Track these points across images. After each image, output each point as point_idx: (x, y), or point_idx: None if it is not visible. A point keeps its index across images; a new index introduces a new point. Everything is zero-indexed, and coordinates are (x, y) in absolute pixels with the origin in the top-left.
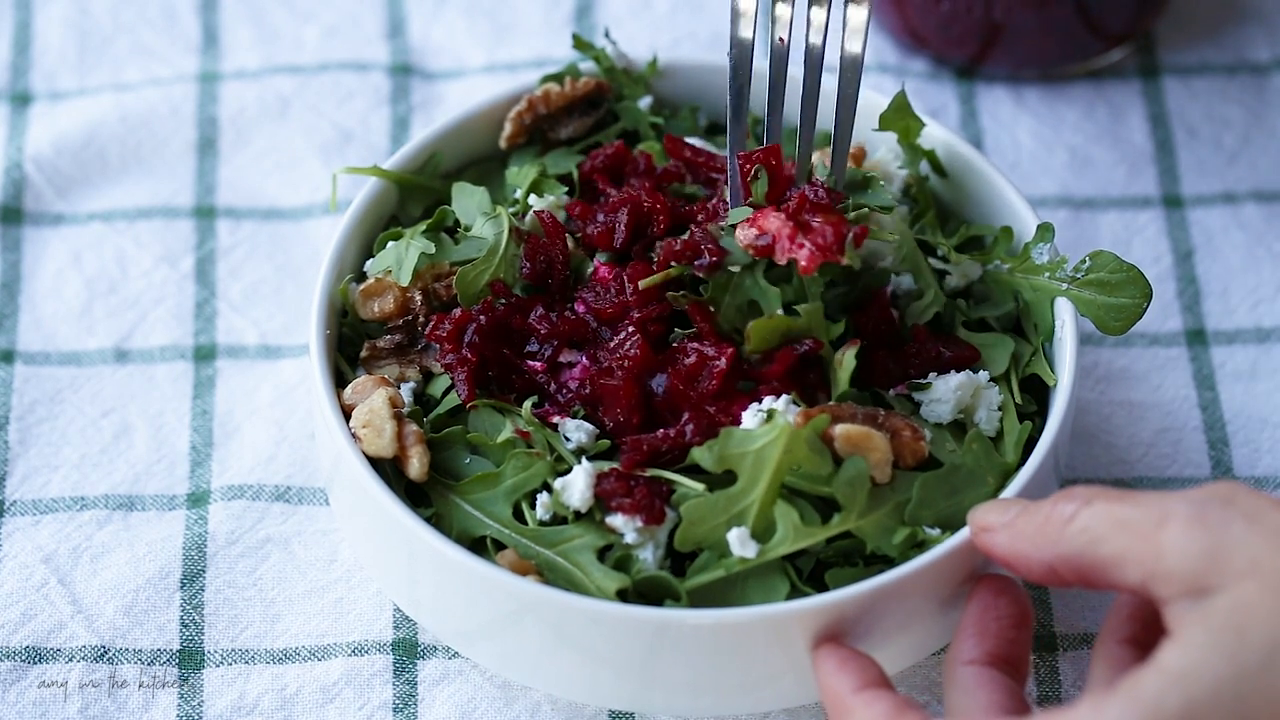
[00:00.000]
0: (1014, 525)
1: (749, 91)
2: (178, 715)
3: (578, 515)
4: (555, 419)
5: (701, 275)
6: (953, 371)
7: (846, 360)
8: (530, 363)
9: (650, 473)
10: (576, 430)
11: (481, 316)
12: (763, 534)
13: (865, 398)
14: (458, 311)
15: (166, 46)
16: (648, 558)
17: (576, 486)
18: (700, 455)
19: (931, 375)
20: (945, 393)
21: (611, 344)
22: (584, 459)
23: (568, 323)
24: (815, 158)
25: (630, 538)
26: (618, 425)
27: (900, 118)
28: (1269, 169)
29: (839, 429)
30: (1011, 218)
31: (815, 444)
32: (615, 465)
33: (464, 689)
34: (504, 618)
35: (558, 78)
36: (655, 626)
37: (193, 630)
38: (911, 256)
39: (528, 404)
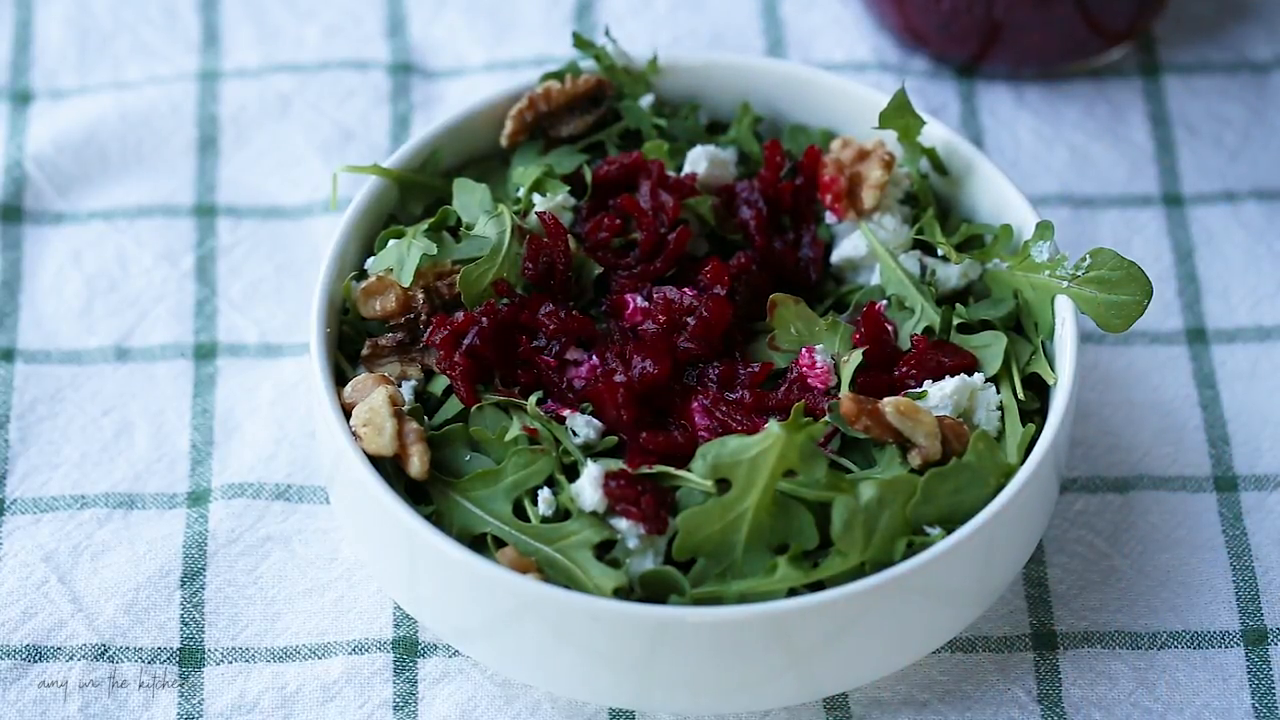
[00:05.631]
0: None
1: None
2: (178, 714)
3: (580, 510)
4: (564, 413)
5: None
6: (947, 377)
7: (854, 358)
8: (544, 357)
9: (657, 469)
10: (585, 426)
11: (484, 319)
12: (758, 540)
13: None
14: (460, 314)
15: (167, 45)
16: (647, 564)
17: (587, 490)
18: (693, 465)
19: (926, 383)
20: (940, 399)
21: (631, 359)
22: (591, 457)
23: (576, 320)
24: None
25: (632, 543)
26: (615, 422)
27: (900, 116)
28: (1270, 167)
29: (888, 403)
30: (1011, 216)
31: (809, 451)
32: (622, 464)
33: (464, 687)
34: (504, 615)
35: (558, 75)
36: (655, 625)
37: (193, 629)
38: (898, 281)
39: (533, 399)
